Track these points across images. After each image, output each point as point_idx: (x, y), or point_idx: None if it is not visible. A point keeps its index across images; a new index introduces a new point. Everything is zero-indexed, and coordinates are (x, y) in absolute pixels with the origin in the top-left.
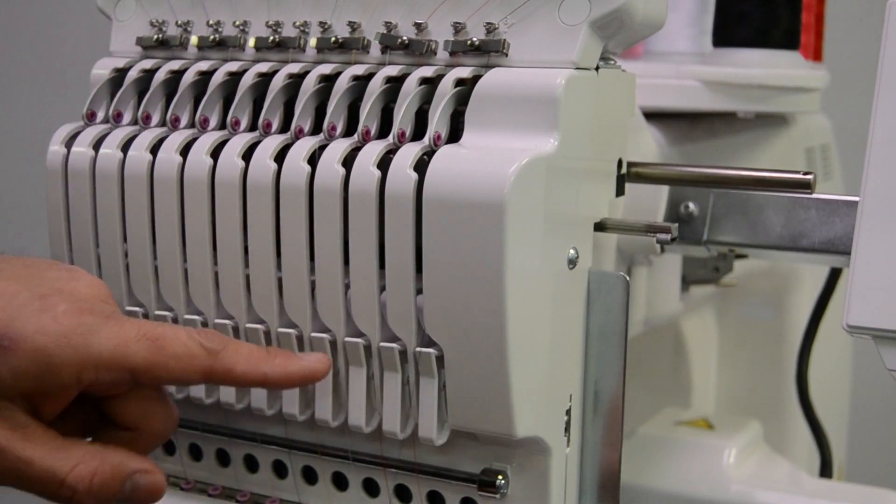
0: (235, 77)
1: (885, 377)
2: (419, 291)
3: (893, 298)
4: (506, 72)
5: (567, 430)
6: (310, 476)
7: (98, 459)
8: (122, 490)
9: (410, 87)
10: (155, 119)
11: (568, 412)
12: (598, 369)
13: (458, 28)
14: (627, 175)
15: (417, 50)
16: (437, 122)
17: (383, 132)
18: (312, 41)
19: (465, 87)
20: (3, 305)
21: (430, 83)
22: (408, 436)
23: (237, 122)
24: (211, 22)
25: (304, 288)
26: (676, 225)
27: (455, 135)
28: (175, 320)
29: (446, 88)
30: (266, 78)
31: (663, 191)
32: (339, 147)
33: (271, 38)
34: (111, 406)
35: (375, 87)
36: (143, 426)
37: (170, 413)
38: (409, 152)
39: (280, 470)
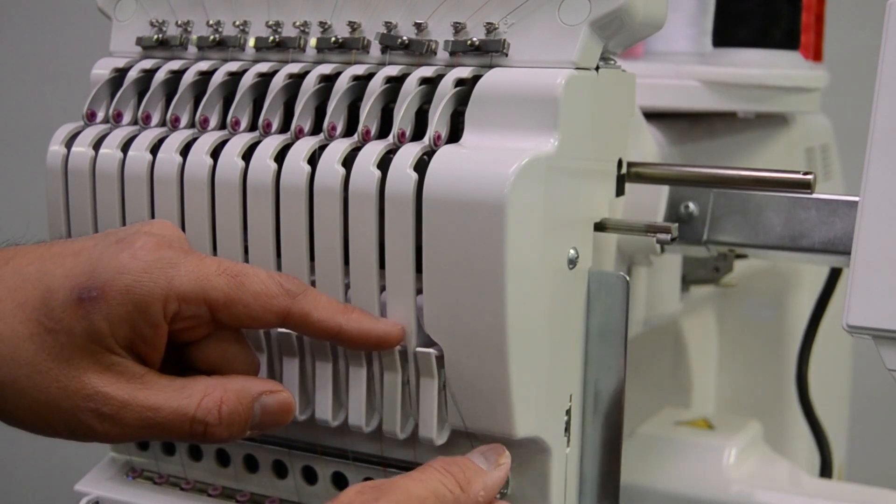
0: (235, 77)
1: (885, 377)
2: (419, 291)
3: (893, 298)
4: (506, 72)
5: (567, 430)
6: (310, 476)
7: (221, 388)
8: (252, 415)
9: (410, 87)
10: (155, 119)
11: (568, 412)
12: (598, 369)
13: (458, 28)
14: (627, 175)
15: (417, 50)
16: (437, 122)
17: (383, 132)
18: (312, 41)
19: (465, 87)
20: (84, 259)
21: (430, 83)
22: (408, 436)
23: (237, 122)
24: (211, 22)
25: None
26: (676, 225)
27: (455, 135)
28: None
29: (446, 88)
30: (266, 78)
31: (663, 191)
32: (339, 147)
33: (271, 38)
34: (193, 352)
35: (375, 87)
36: (225, 370)
37: (250, 356)
38: (409, 152)
39: (280, 470)
